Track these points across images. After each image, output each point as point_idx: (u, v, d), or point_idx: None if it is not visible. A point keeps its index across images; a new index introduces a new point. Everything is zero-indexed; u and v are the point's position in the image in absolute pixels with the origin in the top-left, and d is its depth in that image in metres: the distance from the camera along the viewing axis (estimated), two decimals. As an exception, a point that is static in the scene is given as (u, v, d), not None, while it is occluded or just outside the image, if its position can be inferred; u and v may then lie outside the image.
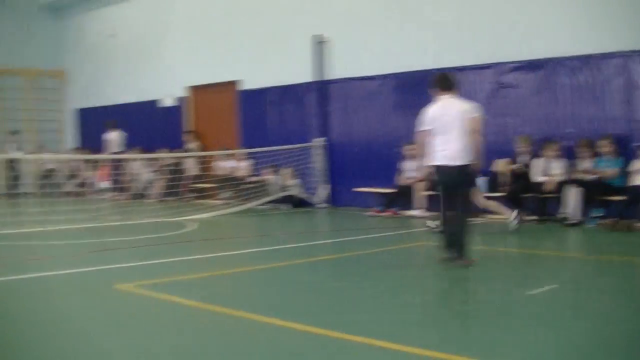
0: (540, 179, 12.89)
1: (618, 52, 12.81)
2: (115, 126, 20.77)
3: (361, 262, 8.48)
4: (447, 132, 8.12)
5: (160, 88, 21.03)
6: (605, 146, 12.42)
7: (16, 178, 20.57)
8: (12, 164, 20.34)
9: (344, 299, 6.11)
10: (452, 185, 8.13)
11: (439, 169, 8.21)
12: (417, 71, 15.01)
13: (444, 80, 8.55)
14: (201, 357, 4.32)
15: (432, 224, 10.76)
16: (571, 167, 12.85)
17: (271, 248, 9.69)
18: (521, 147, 13.39)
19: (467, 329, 5.18)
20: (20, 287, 6.79)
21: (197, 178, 17.48)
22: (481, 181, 13.01)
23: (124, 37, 22.47)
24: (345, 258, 8.86)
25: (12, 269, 7.76)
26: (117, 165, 18.87)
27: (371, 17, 16.12)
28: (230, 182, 16.99)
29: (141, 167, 20.03)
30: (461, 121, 8.15)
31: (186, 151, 18.95)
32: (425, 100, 14.08)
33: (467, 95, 14.23)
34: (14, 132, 22.05)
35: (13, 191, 20.26)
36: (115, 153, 19.95)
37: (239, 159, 17.66)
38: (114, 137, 20.62)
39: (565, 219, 12.25)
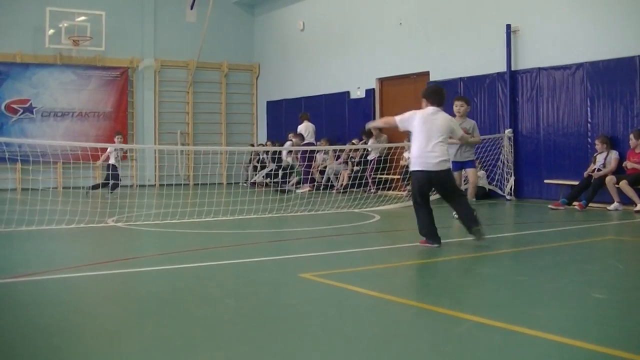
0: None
1: None
2: (307, 118, 21.59)
3: (544, 255, 8.37)
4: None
5: (349, 80, 21.80)
6: None
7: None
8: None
9: (524, 293, 6.12)
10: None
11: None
12: (611, 59, 14.85)
13: (439, 95, 9.22)
14: (385, 345, 4.49)
15: None
16: None
17: (453, 240, 9.75)
18: None
19: None
20: (213, 273, 7.34)
21: (382, 170, 17.89)
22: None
23: (314, 30, 23.45)
24: (528, 251, 8.77)
25: (205, 257, 8.38)
26: (307, 157, 19.59)
27: (564, 5, 16.06)
28: (415, 173, 17.28)
29: (328, 158, 20.75)
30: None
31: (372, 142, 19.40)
32: (619, 90, 14.03)
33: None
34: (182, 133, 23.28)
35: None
36: (306, 144, 20.73)
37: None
38: (306, 128, 21.41)
39: None
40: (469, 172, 12.37)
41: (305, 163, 20.17)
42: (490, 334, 4.68)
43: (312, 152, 20.04)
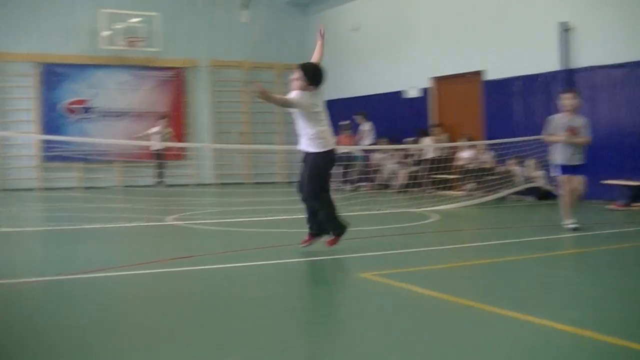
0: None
1: None
2: (365, 118, 21.71)
3: (602, 257, 8.37)
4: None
5: (404, 79, 21.95)
6: None
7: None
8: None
9: (587, 295, 6.15)
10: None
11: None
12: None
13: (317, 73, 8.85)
14: (444, 346, 4.56)
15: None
16: None
17: (510, 240, 9.70)
18: None
19: None
20: (272, 272, 7.47)
21: (440, 169, 17.94)
22: None
23: (368, 30, 23.60)
24: (586, 253, 8.81)
25: (263, 256, 8.52)
26: (367, 156, 19.73)
27: (619, 2, 15.94)
28: (473, 173, 17.37)
29: (386, 158, 20.86)
30: None
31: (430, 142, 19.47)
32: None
33: None
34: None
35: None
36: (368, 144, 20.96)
37: (482, 150, 17.98)
38: (366, 128, 21.55)
39: None
40: (577, 178, 10.74)
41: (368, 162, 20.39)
42: (553, 337, 4.73)
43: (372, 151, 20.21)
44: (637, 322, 5.15)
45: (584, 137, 10.71)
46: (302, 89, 8.56)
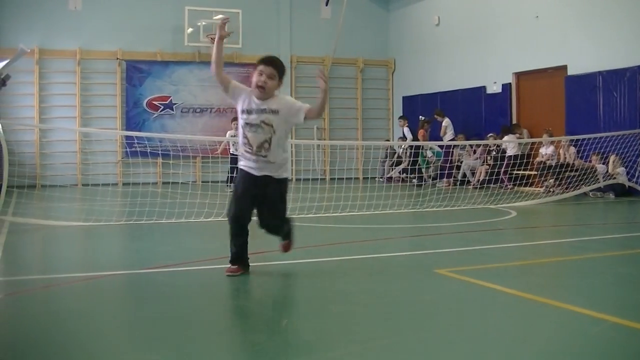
0: None
1: None
2: (442, 114, 21.70)
3: None
4: None
5: (486, 75, 21.80)
6: None
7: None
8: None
9: None
10: None
11: None
12: None
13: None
14: (520, 344, 4.57)
15: None
16: None
17: (590, 238, 9.57)
18: None
19: None
20: (348, 268, 7.52)
21: (520, 165, 17.78)
22: None
23: (449, 25, 23.51)
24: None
25: (340, 251, 8.60)
26: (447, 152, 19.70)
27: None
28: (553, 169, 17.19)
29: (465, 154, 20.79)
30: None
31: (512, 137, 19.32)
32: None
33: None
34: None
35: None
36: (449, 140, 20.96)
37: (563, 146, 17.77)
38: (445, 124, 21.55)
39: None
40: None
41: (447, 158, 20.37)
42: (628, 335, 4.72)
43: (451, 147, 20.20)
44: None
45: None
46: (274, 90, 6.95)
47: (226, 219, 7.03)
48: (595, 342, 4.56)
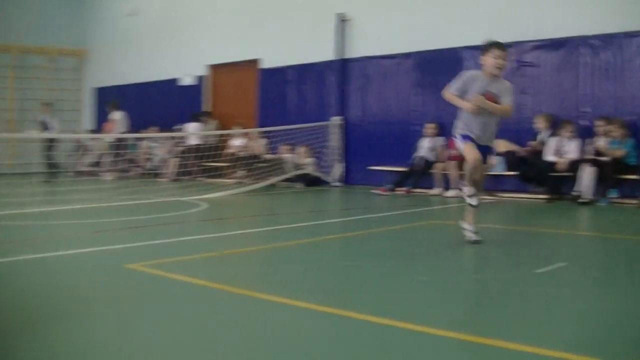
0: (551, 158, 13.20)
1: (640, 31, 13.13)
2: (117, 106, 20.91)
3: (371, 241, 8.46)
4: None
5: (180, 67, 21.55)
6: (613, 130, 12.89)
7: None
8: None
9: (351, 278, 6.11)
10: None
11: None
12: (436, 50, 15.41)
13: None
14: (211, 333, 4.38)
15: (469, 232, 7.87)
16: (586, 147, 13.10)
17: (281, 227, 9.61)
18: (540, 125, 13.64)
19: (472, 308, 5.19)
20: (22, 268, 6.96)
21: (210, 157, 17.66)
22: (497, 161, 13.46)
23: (145, 16, 22.95)
24: (356, 237, 8.82)
25: (16, 250, 7.96)
26: (119, 146, 18.96)
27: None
28: (243, 160, 17.26)
29: (156, 146, 20.40)
30: None
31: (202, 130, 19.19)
32: (444, 80, 14.53)
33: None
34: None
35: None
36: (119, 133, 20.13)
37: (254, 138, 17.91)
38: (117, 117, 20.75)
39: (577, 197, 12.48)
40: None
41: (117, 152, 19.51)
42: (319, 319, 4.66)
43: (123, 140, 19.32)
44: (391, 301, 5.14)
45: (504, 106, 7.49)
46: None
47: None
48: (289, 328, 4.46)
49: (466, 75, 7.56)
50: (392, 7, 16.46)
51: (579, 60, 13.63)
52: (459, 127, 7.58)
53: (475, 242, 7.55)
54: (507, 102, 7.46)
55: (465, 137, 7.48)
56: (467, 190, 7.60)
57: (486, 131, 7.50)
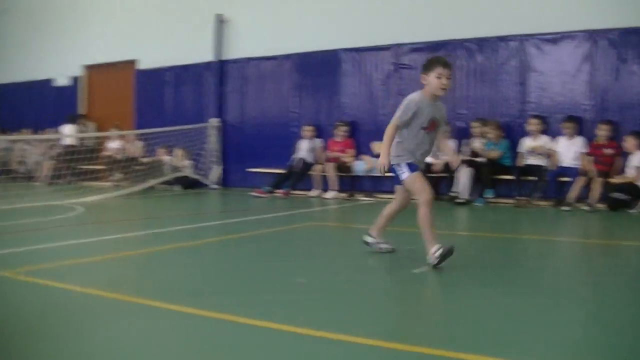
0: (428, 159, 13.40)
1: (514, 35, 13.41)
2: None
3: (250, 243, 8.38)
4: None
5: (54, 67, 20.95)
6: (489, 132, 13.16)
7: None
8: None
9: (230, 281, 6.08)
10: None
11: None
12: (316, 52, 15.44)
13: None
14: (79, 339, 4.26)
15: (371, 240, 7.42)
16: (463, 148, 13.37)
17: (158, 230, 9.49)
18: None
19: (351, 308, 5.13)
20: None
21: (86, 160, 17.24)
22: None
23: (18, 13, 22.19)
24: (235, 239, 8.79)
25: None
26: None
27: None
28: (120, 163, 16.95)
29: (30, 149, 19.81)
30: None
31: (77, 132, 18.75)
32: (323, 81, 14.73)
33: (366, 76, 14.85)
34: None
35: None
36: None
37: (130, 140, 17.62)
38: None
39: (455, 197, 12.71)
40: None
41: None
42: (197, 323, 4.58)
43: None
44: (271, 303, 5.10)
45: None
46: None
47: None
48: (165, 332, 4.38)
49: (413, 102, 6.44)
50: (272, 9, 16.42)
51: (456, 62, 13.84)
52: (400, 154, 6.55)
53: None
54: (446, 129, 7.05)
55: (412, 167, 6.51)
56: (435, 249, 6.28)
57: (426, 151, 6.69)
